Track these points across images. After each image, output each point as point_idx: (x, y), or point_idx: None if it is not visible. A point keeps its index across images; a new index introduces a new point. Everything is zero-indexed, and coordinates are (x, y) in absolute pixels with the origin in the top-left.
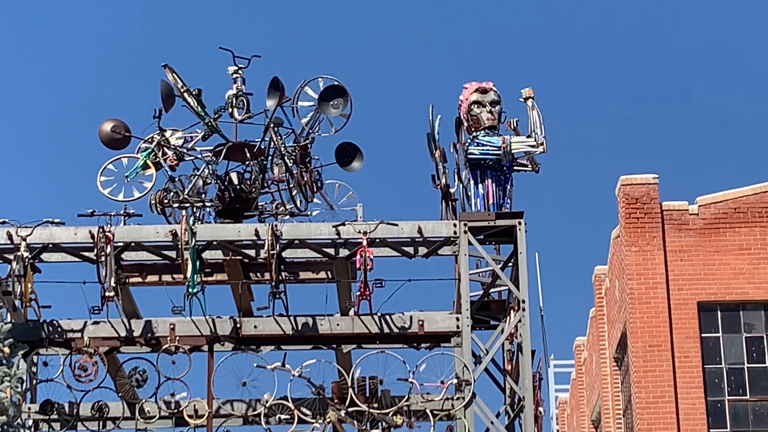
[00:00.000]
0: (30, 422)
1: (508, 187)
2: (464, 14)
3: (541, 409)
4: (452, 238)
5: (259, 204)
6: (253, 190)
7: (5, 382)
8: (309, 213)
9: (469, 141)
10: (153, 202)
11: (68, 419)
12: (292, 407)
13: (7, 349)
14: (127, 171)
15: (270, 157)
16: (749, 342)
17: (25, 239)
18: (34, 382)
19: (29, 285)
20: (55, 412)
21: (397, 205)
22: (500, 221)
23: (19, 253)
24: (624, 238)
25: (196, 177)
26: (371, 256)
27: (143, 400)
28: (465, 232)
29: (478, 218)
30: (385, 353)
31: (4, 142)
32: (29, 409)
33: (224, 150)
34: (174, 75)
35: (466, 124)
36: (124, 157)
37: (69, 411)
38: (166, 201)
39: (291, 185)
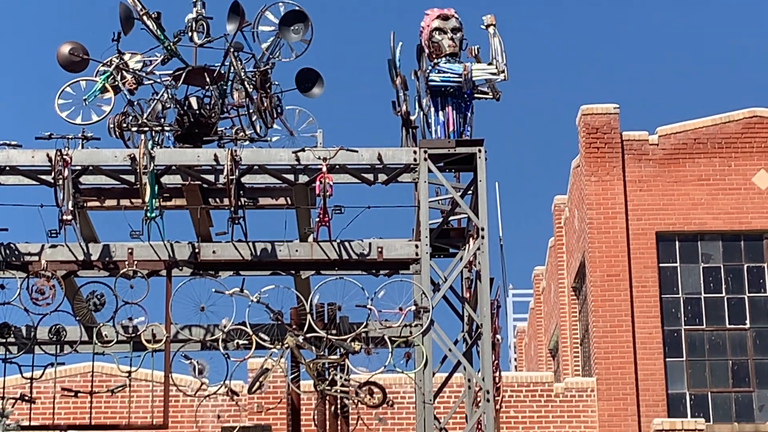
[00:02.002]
0: None
1: (469, 114)
2: None
3: (498, 336)
4: (412, 166)
5: (219, 129)
6: (213, 115)
7: None
8: (269, 139)
9: (430, 68)
10: (111, 125)
11: (25, 343)
12: (251, 333)
13: None
14: (86, 94)
15: (230, 82)
16: (706, 272)
17: None
18: None
19: None
20: (12, 336)
21: (357, 132)
22: (460, 149)
23: None
24: (584, 167)
25: (155, 101)
26: (331, 183)
27: (101, 324)
28: (425, 159)
29: (438, 145)
30: (343, 280)
31: None
32: None
33: (184, 74)
34: None
35: (427, 50)
36: (82, 80)
37: (26, 334)
38: (124, 125)
39: (251, 111)
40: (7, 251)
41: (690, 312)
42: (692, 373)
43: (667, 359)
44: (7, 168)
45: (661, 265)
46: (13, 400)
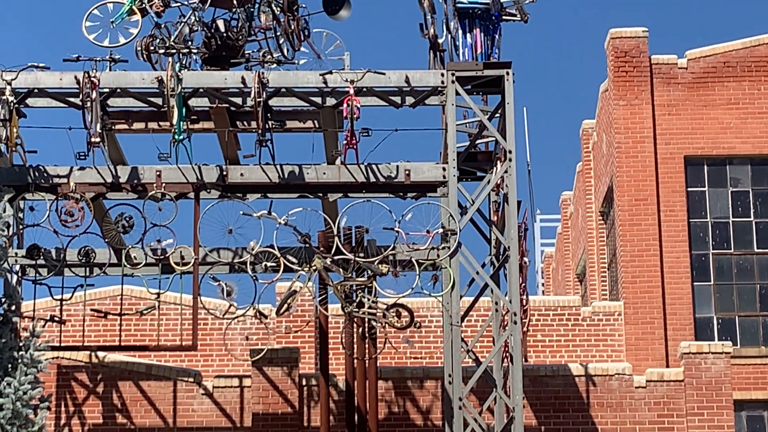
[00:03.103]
0: (17, 267)
1: (497, 36)
2: None
3: (526, 259)
4: (439, 88)
5: (246, 52)
6: (240, 37)
7: None
8: (296, 61)
9: None
10: (139, 48)
11: (55, 264)
12: (278, 255)
13: None
14: (113, 16)
15: (257, 5)
16: (735, 196)
17: (10, 83)
18: (21, 226)
19: (15, 129)
20: (41, 257)
21: (384, 54)
22: (488, 71)
23: (3, 98)
24: (612, 92)
25: (183, 24)
26: (358, 105)
27: (129, 247)
28: (452, 82)
29: (466, 68)
30: (371, 202)
31: None
32: (16, 253)
33: None
34: None
35: None
36: (109, 2)
37: (56, 256)
38: (152, 47)
39: (278, 33)
40: (36, 173)
41: (718, 236)
42: (720, 297)
43: (695, 283)
44: (36, 90)
45: (689, 189)
46: (44, 322)
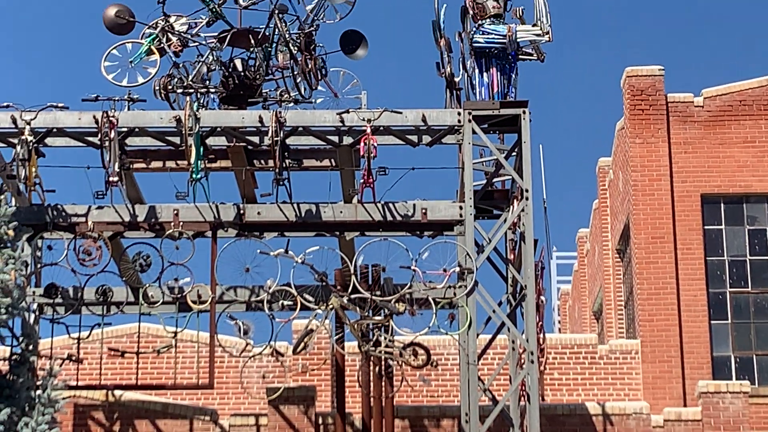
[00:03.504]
0: (35, 305)
1: (513, 76)
2: None
3: (542, 298)
4: (456, 127)
5: (263, 91)
6: (257, 76)
7: (9, 264)
8: (313, 100)
9: (474, 29)
10: (157, 87)
11: (72, 303)
12: (295, 293)
13: (11, 232)
14: (132, 56)
15: (274, 44)
16: (752, 234)
17: (29, 123)
18: (39, 265)
19: (33, 169)
20: (59, 296)
21: (401, 93)
22: (504, 110)
23: (23, 137)
24: (628, 129)
25: (201, 63)
26: (375, 144)
27: (147, 285)
28: (469, 121)
29: (483, 107)
30: (388, 241)
31: (9, 27)
32: (34, 292)
33: (229, 36)
34: None
35: (471, 12)
36: (128, 42)
37: (73, 295)
38: (170, 87)
39: (295, 72)
40: (55, 212)
41: (735, 274)
42: (737, 336)
43: (712, 322)
44: (55, 130)
45: (706, 227)
46: (61, 360)
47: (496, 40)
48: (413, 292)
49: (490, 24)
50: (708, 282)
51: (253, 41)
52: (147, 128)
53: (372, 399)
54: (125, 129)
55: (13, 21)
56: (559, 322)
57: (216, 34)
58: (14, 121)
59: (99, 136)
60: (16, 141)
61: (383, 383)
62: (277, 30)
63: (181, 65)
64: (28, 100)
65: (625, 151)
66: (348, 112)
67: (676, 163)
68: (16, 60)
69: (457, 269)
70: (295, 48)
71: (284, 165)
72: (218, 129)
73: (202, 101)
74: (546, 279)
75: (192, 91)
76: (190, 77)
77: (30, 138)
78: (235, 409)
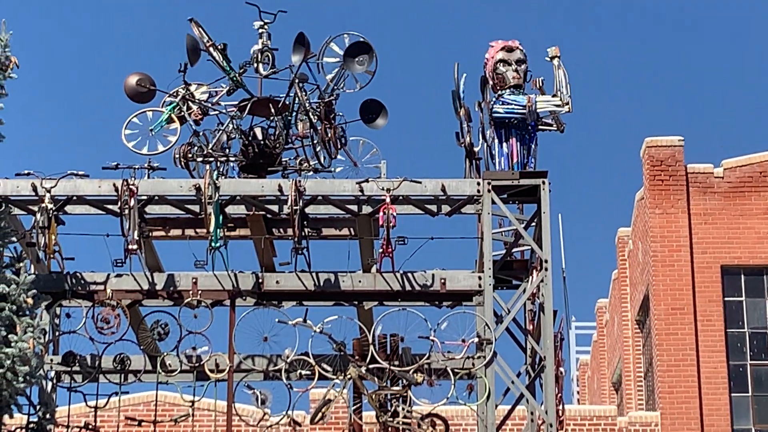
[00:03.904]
0: (52, 374)
1: (533, 146)
2: None
3: (562, 369)
4: (476, 197)
5: (283, 159)
6: (277, 145)
7: (28, 332)
8: (333, 169)
9: (494, 99)
10: (177, 156)
11: (90, 371)
12: (313, 363)
13: (30, 300)
14: (152, 124)
15: (294, 113)
16: None
17: (49, 191)
18: (57, 333)
19: (53, 237)
20: (77, 364)
21: (420, 162)
22: (524, 180)
23: (43, 205)
24: (648, 200)
25: (221, 131)
26: (394, 213)
27: (165, 354)
28: (488, 191)
29: (502, 177)
30: (406, 311)
31: (31, 95)
32: (51, 360)
33: (249, 105)
34: (200, 29)
35: (491, 82)
36: (148, 110)
37: (91, 363)
38: (190, 155)
39: (315, 141)
40: (74, 280)
41: (755, 347)
42: (758, 409)
43: (733, 394)
44: (75, 198)
45: (726, 299)
46: (78, 429)
47: (515, 111)
48: (432, 362)
49: (509, 94)
50: (728, 354)
51: (273, 110)
52: (167, 196)
53: None
54: (145, 197)
55: (36, 88)
56: (578, 393)
57: (236, 102)
58: (34, 188)
59: (119, 204)
60: (36, 208)
61: None
62: (297, 99)
63: (201, 133)
64: (49, 168)
65: (645, 222)
66: (367, 181)
67: (695, 234)
68: (37, 127)
69: (476, 340)
70: (315, 117)
71: (303, 234)
72: (237, 197)
73: (221, 170)
74: (565, 350)
75: (212, 159)
76: (210, 145)
77: (50, 206)
78: None
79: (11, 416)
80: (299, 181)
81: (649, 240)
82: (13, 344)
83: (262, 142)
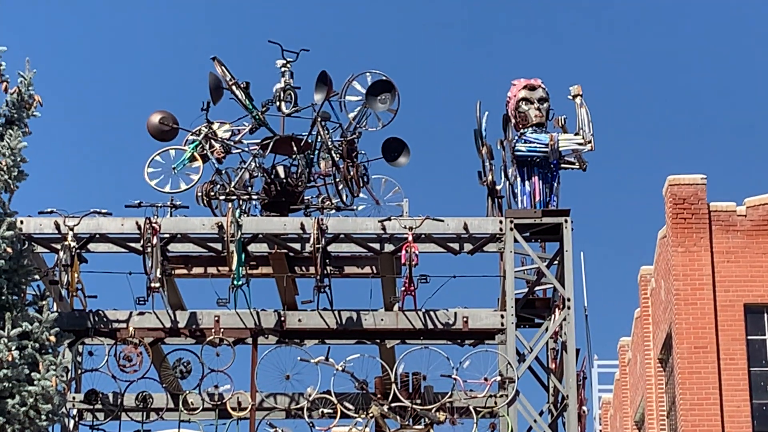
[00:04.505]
0: (74, 411)
1: (555, 184)
2: (512, 11)
3: (584, 408)
4: (498, 235)
5: (305, 198)
6: (300, 183)
7: (51, 370)
8: (355, 207)
9: (516, 138)
10: (199, 194)
11: (112, 409)
12: (336, 401)
13: (53, 338)
14: (175, 163)
15: (317, 151)
16: None
17: (72, 229)
18: (80, 371)
19: (76, 275)
20: (99, 402)
21: (443, 201)
22: (546, 219)
23: (66, 243)
24: (671, 238)
25: (243, 170)
26: (416, 252)
27: (187, 392)
28: (511, 230)
29: (525, 215)
30: (428, 349)
31: (54, 133)
32: (74, 398)
33: (271, 143)
34: (222, 68)
35: (513, 120)
36: (171, 148)
37: (113, 401)
38: (212, 193)
39: (337, 179)
40: (96, 318)
41: None
42: None
43: None
44: (97, 236)
45: (749, 337)
46: None
47: (538, 149)
48: (454, 400)
49: (532, 133)
50: (751, 392)
51: (295, 148)
52: (189, 234)
53: None
54: (167, 235)
55: (57, 127)
56: (601, 431)
57: (259, 141)
58: (57, 226)
59: (141, 242)
60: (59, 246)
61: None
62: (319, 137)
63: (223, 172)
64: (72, 206)
65: (667, 260)
66: (390, 219)
67: (718, 272)
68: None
69: (498, 378)
70: (338, 155)
71: (325, 272)
72: (260, 236)
73: (244, 208)
74: (587, 388)
75: (234, 197)
76: (233, 184)
77: (73, 244)
78: None
79: None
80: (321, 220)
81: (672, 278)
82: (35, 382)
83: (284, 181)
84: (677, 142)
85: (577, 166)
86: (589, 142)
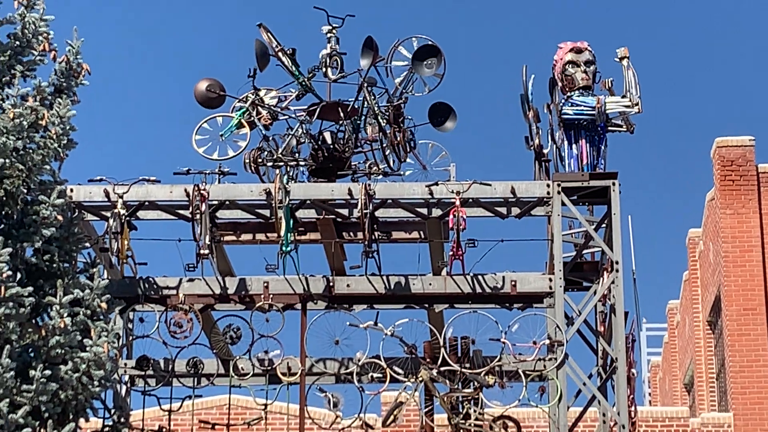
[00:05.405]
0: (126, 378)
1: (603, 147)
2: None
3: (633, 371)
4: (545, 199)
5: (353, 163)
6: (347, 149)
7: (102, 337)
8: (402, 173)
9: (563, 101)
10: (247, 161)
11: (164, 375)
12: (385, 366)
13: (104, 305)
14: (222, 130)
15: (363, 117)
16: None
17: (121, 197)
18: (131, 338)
19: (126, 242)
20: (150, 368)
21: (490, 165)
22: (594, 182)
23: (116, 211)
24: (719, 200)
25: (290, 136)
26: (464, 216)
27: (237, 358)
28: (558, 193)
29: (572, 179)
30: (477, 313)
31: (101, 101)
32: (125, 364)
33: (318, 109)
34: (268, 35)
35: (560, 84)
36: (219, 116)
37: (164, 367)
38: (260, 160)
39: (384, 145)
40: (146, 285)
41: None
42: None
43: None
44: (146, 203)
45: None
46: None
47: (585, 112)
48: (503, 364)
49: (578, 95)
50: None
51: (342, 114)
52: (237, 201)
53: None
54: (216, 202)
55: (106, 94)
56: (650, 394)
57: (305, 107)
58: (107, 194)
59: (190, 209)
60: (108, 214)
61: None
62: (366, 103)
63: (270, 138)
64: (121, 174)
65: (716, 222)
66: (437, 184)
67: (767, 234)
68: (108, 133)
69: (547, 342)
70: (384, 120)
71: (373, 237)
72: (308, 201)
73: (291, 174)
74: (636, 351)
75: (281, 164)
76: (280, 150)
77: (122, 211)
78: None
79: (87, 420)
80: (369, 185)
81: (721, 240)
82: (88, 349)
83: (331, 146)
84: (725, 104)
85: (625, 129)
86: (636, 104)
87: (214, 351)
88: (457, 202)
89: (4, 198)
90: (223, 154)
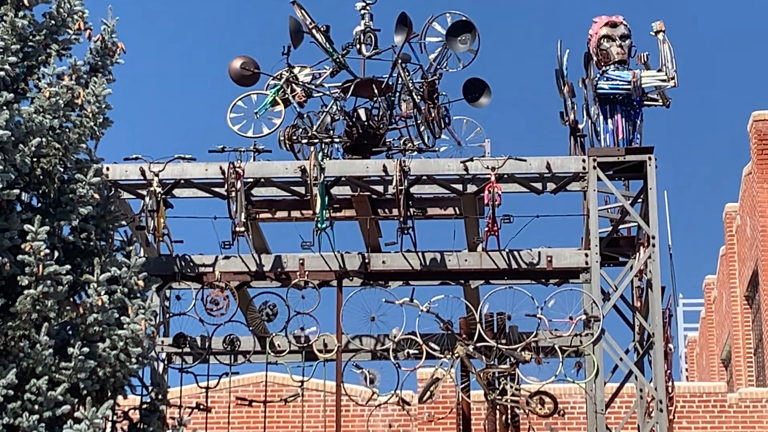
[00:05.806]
0: (164, 355)
1: (638, 122)
2: None
3: (670, 346)
4: (581, 174)
5: (387, 140)
6: (381, 126)
7: (140, 314)
8: (437, 149)
9: (598, 76)
10: (282, 138)
11: (201, 352)
12: (421, 342)
13: (141, 283)
14: (257, 107)
15: (398, 93)
16: None
17: (157, 175)
18: (168, 315)
19: (162, 220)
20: (187, 345)
21: (525, 141)
22: (630, 156)
23: (151, 189)
24: (756, 174)
25: (325, 113)
26: (499, 192)
27: (273, 335)
28: (594, 168)
29: (608, 153)
30: (513, 289)
31: (137, 79)
32: (162, 341)
33: (352, 86)
34: (302, 12)
35: (595, 58)
36: (253, 93)
37: (201, 344)
38: (294, 137)
39: (419, 121)
40: (182, 263)
41: None
42: None
43: None
44: (182, 181)
45: None
46: (190, 410)
47: (620, 87)
48: (539, 340)
49: (614, 70)
50: None
51: (376, 91)
52: (272, 178)
53: None
54: (251, 179)
55: (142, 72)
56: (687, 370)
57: (340, 84)
58: (143, 172)
59: (225, 186)
60: (144, 192)
61: None
62: (400, 79)
63: (305, 116)
64: (157, 152)
65: (753, 196)
66: (472, 160)
67: None
68: (143, 111)
69: (584, 317)
70: (419, 97)
71: (409, 214)
72: (343, 178)
73: (326, 151)
74: (673, 326)
75: (316, 141)
76: (315, 127)
77: (158, 189)
78: None
79: (125, 397)
80: (404, 161)
81: (758, 215)
82: (125, 326)
83: (366, 123)
84: (761, 77)
85: (660, 103)
86: (672, 78)
87: (251, 328)
88: (492, 178)
89: (41, 177)
90: (258, 132)
